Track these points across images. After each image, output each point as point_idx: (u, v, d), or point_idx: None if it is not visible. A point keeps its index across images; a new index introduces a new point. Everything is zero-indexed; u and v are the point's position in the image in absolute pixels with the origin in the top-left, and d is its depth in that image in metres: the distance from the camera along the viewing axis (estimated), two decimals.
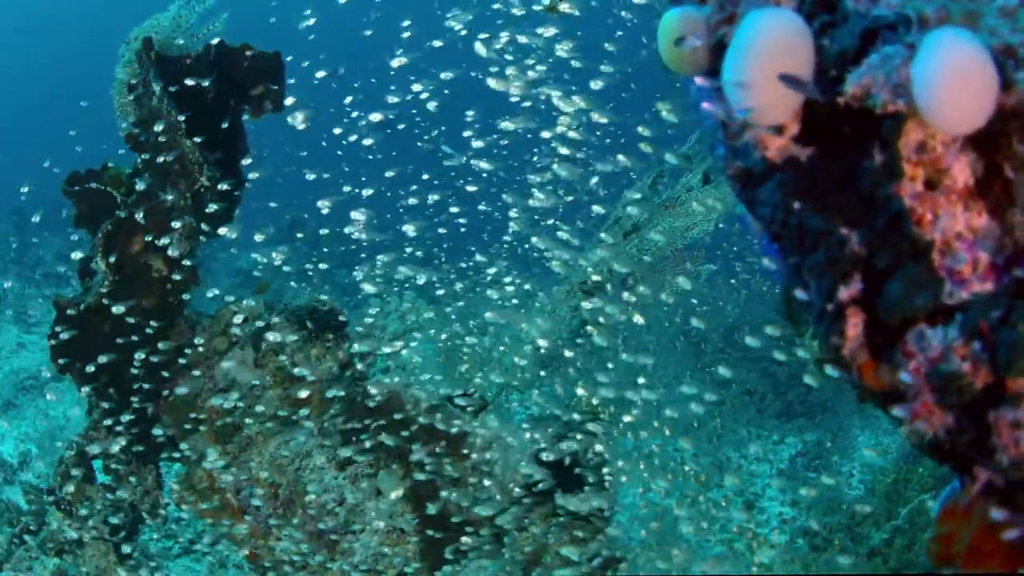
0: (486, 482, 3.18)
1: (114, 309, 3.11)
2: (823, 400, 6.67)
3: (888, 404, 1.35)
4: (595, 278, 3.96)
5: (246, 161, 3.27)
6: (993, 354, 1.20)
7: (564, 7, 2.65)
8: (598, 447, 3.27)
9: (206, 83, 3.06)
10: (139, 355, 3.19)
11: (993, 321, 1.21)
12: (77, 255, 3.36)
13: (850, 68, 1.29)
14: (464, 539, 3.10)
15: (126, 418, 3.27)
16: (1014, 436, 1.19)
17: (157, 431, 3.31)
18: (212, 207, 3.14)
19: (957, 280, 1.25)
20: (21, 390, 6.83)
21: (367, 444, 3.21)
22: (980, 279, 1.25)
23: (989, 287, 1.25)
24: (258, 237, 3.34)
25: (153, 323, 3.21)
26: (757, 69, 1.33)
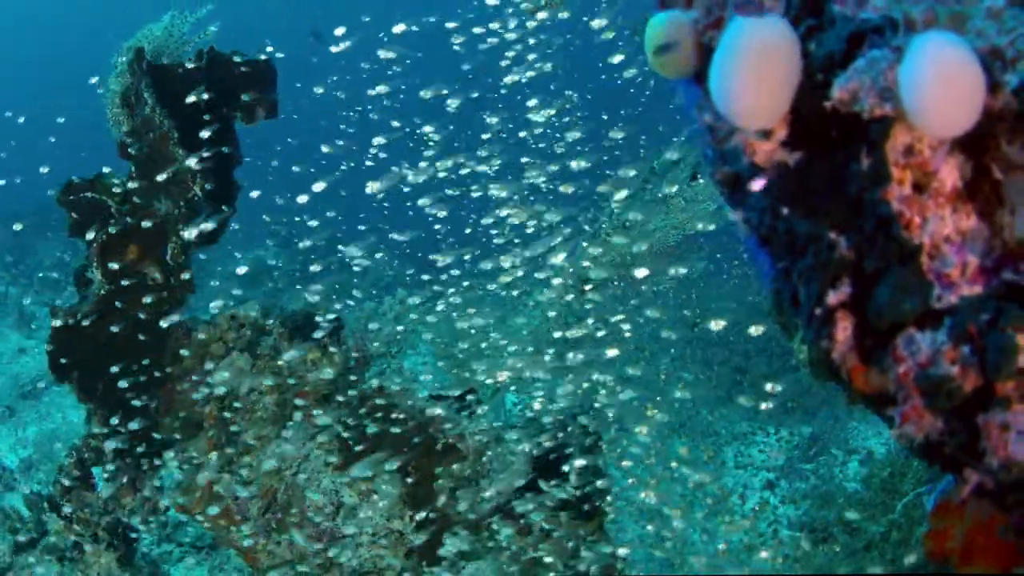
0: (483, 482, 3.19)
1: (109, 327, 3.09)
2: (819, 394, 6.70)
3: (878, 407, 1.35)
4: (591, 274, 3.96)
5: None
6: (982, 358, 1.20)
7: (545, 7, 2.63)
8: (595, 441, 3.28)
9: (203, 96, 3.06)
10: (137, 362, 3.19)
11: (982, 325, 1.21)
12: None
13: (837, 72, 1.29)
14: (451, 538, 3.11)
15: (125, 424, 3.27)
16: (1003, 439, 1.19)
17: (156, 436, 3.32)
18: (206, 213, 3.14)
19: (946, 283, 1.25)
20: (22, 396, 6.85)
21: (364, 446, 3.22)
22: (969, 282, 1.25)
23: (978, 290, 1.25)
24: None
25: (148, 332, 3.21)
26: (744, 73, 1.33)
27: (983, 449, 1.21)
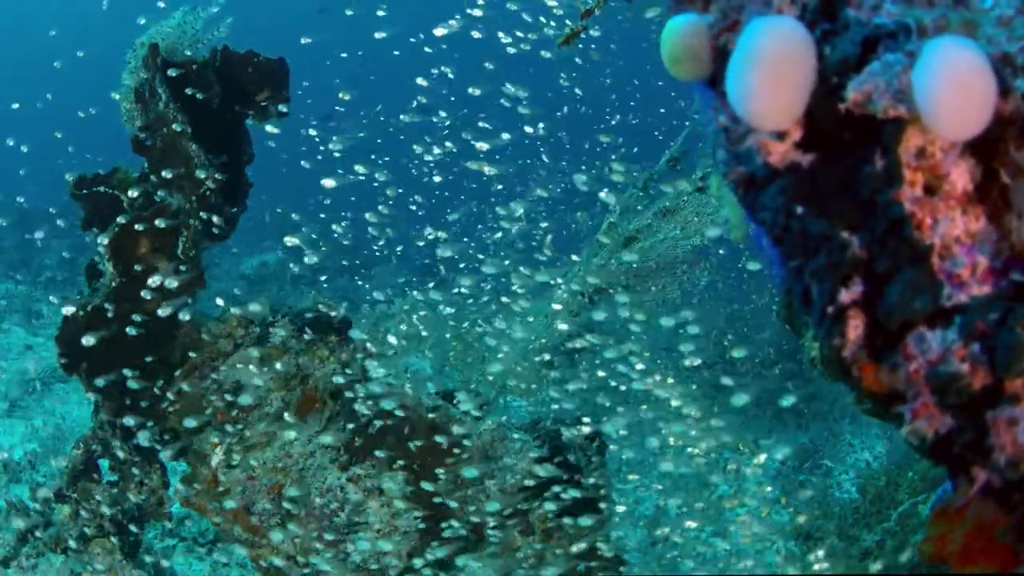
0: (486, 483, 3.21)
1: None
2: (815, 406, 6.72)
3: (887, 406, 1.37)
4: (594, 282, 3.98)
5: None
6: (991, 356, 1.23)
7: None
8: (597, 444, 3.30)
9: (215, 94, 3.10)
10: (146, 357, 3.22)
11: (991, 323, 1.24)
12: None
13: (851, 75, 1.32)
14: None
15: (131, 418, 3.29)
16: (1011, 434, 1.22)
17: (163, 431, 3.34)
18: (217, 211, 3.17)
19: (956, 283, 1.28)
20: (28, 391, 6.90)
21: (370, 444, 3.24)
22: (978, 282, 1.28)
23: (987, 290, 1.27)
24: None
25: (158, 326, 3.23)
26: (760, 76, 1.35)
27: (991, 446, 1.23)
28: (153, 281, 3.09)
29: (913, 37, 1.33)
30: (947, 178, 1.31)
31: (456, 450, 3.21)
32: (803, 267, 1.40)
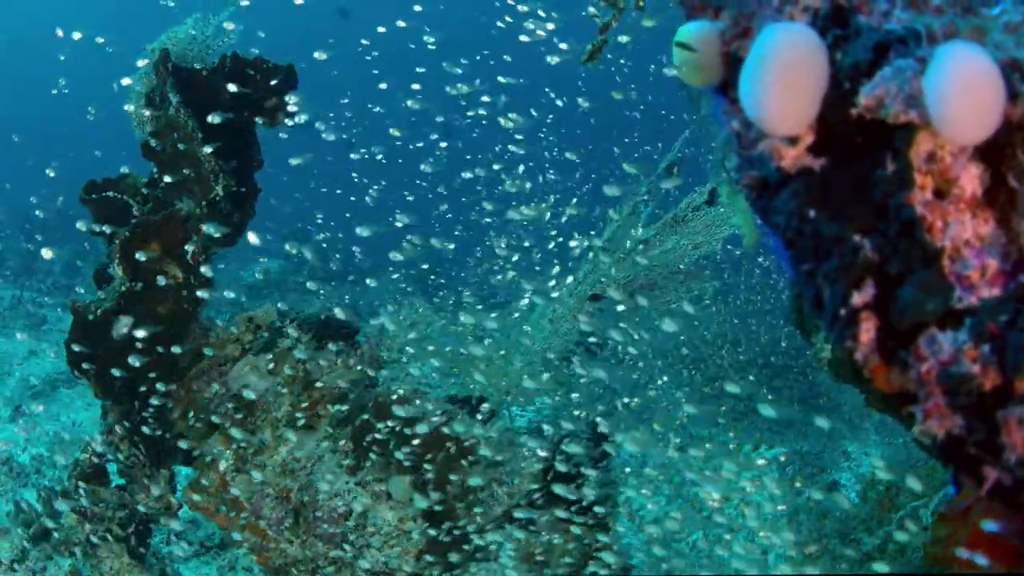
0: (494, 487, 3.22)
1: (119, 323, 3.14)
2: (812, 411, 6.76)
3: (899, 407, 1.39)
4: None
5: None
6: (1001, 356, 1.25)
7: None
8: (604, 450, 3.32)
9: (224, 100, 3.12)
10: (153, 359, 3.23)
11: (1001, 325, 1.26)
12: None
13: (863, 80, 1.34)
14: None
15: (140, 422, 3.30)
16: (1021, 433, 1.23)
17: (171, 435, 3.35)
18: (226, 214, 3.19)
19: (966, 285, 1.30)
20: (33, 396, 6.93)
21: (377, 449, 3.25)
22: (988, 285, 1.29)
23: (997, 292, 1.29)
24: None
25: (167, 329, 3.25)
26: (773, 81, 1.37)
27: (1002, 444, 1.25)
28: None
29: (923, 43, 1.35)
30: (957, 182, 1.33)
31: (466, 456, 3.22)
32: (815, 270, 1.42)
